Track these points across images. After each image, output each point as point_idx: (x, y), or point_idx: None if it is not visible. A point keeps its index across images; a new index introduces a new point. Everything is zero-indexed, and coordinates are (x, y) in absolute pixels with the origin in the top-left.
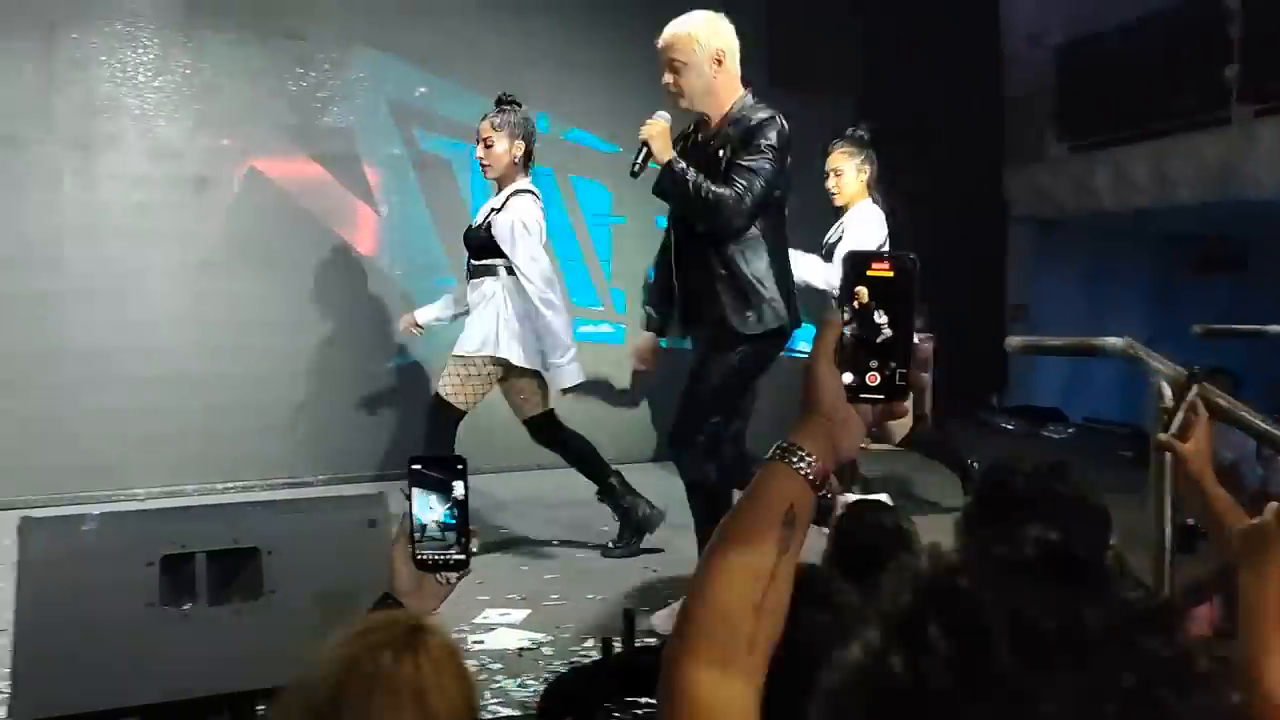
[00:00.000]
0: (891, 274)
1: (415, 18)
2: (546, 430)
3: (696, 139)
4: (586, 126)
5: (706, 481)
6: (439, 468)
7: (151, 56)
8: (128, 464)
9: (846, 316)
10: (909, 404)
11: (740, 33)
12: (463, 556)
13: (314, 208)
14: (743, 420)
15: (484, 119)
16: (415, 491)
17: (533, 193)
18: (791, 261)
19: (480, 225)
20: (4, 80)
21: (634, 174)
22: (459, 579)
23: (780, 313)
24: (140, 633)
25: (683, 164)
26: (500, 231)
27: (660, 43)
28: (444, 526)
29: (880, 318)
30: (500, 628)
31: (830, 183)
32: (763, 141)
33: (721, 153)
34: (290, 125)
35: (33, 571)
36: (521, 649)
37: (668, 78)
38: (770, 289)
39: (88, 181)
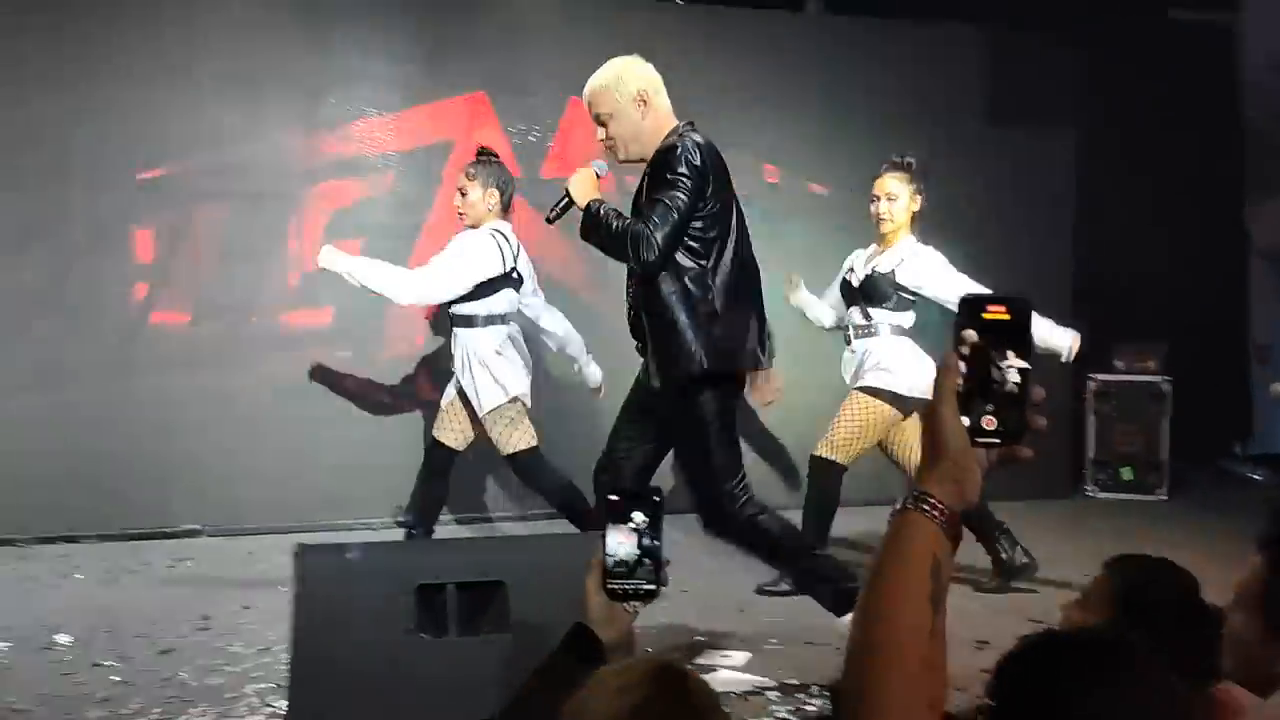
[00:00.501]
0: (1008, 316)
1: None
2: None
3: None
4: (795, 168)
5: (769, 525)
6: (634, 502)
7: (393, 118)
8: (363, 495)
9: (963, 359)
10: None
11: (959, 72)
12: (652, 588)
13: (538, 254)
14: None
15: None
16: (610, 524)
17: (496, 231)
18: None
19: None
20: (272, 140)
21: (548, 220)
22: (644, 605)
23: (722, 352)
24: (401, 657)
25: (600, 205)
26: None
27: (584, 101)
28: (636, 559)
29: (997, 360)
30: (721, 669)
31: (882, 207)
32: (668, 174)
33: (642, 189)
34: (514, 175)
35: (308, 593)
36: (747, 694)
37: (600, 133)
38: (705, 329)
39: (339, 231)
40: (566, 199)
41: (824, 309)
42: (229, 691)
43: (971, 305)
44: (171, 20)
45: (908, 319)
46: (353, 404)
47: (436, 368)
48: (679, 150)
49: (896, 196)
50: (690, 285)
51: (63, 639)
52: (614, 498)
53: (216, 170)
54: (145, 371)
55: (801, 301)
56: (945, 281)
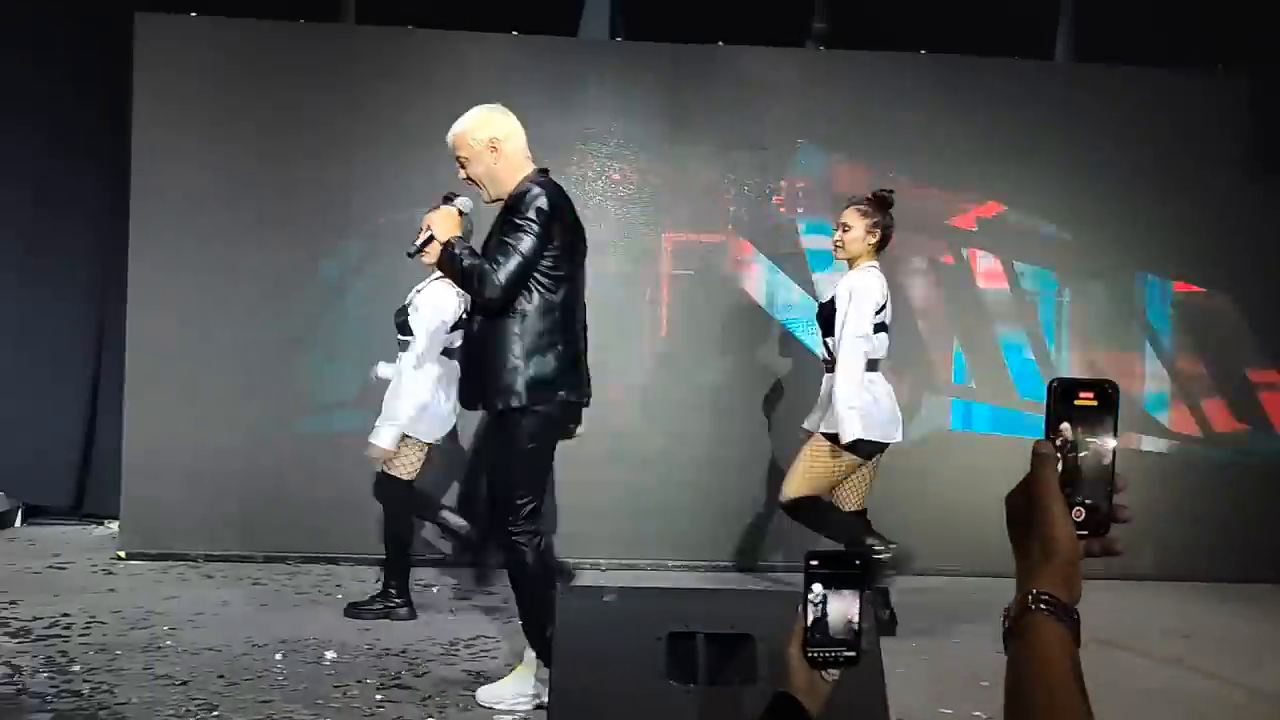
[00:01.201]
0: (1095, 403)
1: (866, 119)
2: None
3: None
4: (1038, 214)
5: (529, 563)
6: (835, 564)
7: (637, 172)
8: (590, 534)
9: (1057, 447)
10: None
11: (1213, 119)
12: (853, 654)
13: (763, 300)
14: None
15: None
16: (811, 587)
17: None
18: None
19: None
20: None
21: (409, 255)
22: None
23: (540, 389)
24: (654, 705)
25: (455, 242)
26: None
27: (448, 144)
28: (838, 624)
29: (1085, 449)
30: None
31: (836, 235)
32: (515, 218)
33: (494, 231)
34: (746, 226)
35: (565, 634)
36: None
37: (461, 173)
38: (531, 366)
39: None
40: (429, 234)
41: None
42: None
43: (1065, 391)
44: (441, 87)
45: (872, 346)
46: (576, 449)
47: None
48: (527, 196)
49: (851, 227)
50: (527, 322)
51: (330, 654)
52: (814, 561)
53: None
54: None
55: None
56: (844, 309)
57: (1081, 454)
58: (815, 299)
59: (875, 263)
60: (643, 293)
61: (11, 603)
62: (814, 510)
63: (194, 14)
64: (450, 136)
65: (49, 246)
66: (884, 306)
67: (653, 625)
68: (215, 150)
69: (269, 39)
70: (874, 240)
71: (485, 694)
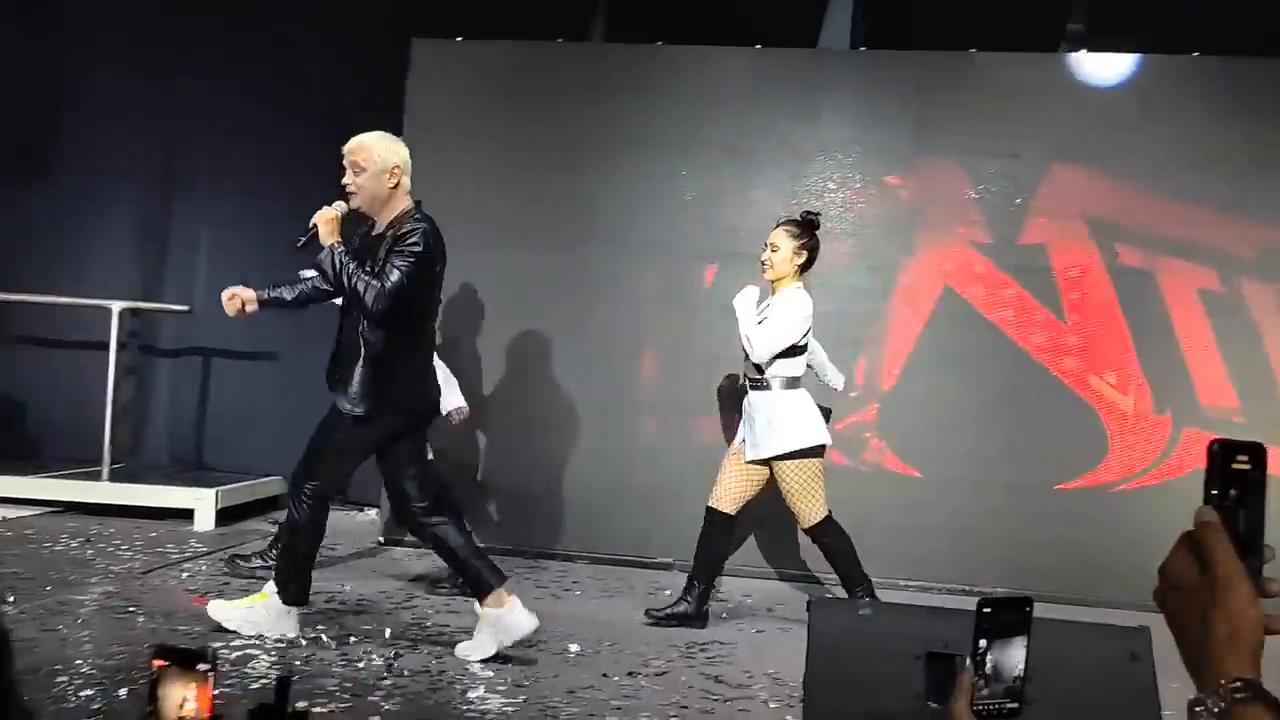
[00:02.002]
0: (1249, 466)
1: (1127, 126)
2: None
3: (370, 234)
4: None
5: (300, 524)
6: (1006, 609)
7: (875, 184)
8: (816, 548)
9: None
10: None
11: None
12: (1015, 705)
13: (1003, 319)
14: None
15: None
16: (980, 634)
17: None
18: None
19: None
20: (761, 204)
21: (298, 247)
22: None
23: (395, 401)
24: None
25: (342, 249)
26: None
27: (346, 147)
28: (1006, 674)
29: (1241, 512)
30: None
31: (764, 255)
32: (409, 247)
33: (382, 251)
34: (992, 239)
35: (820, 647)
36: None
37: (348, 177)
38: (388, 379)
39: (815, 293)
40: (314, 230)
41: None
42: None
43: (1226, 454)
44: (687, 100)
45: (797, 367)
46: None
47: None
48: (420, 231)
49: (778, 248)
50: (397, 339)
51: (574, 647)
52: (987, 609)
53: (709, 232)
54: (638, 412)
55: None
56: (768, 324)
57: (1240, 517)
58: (1063, 319)
59: (800, 283)
60: (882, 307)
61: None
62: (836, 533)
63: (460, 38)
64: (356, 143)
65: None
66: (808, 330)
67: (909, 643)
68: (478, 163)
69: (527, 59)
70: (800, 261)
71: (215, 608)
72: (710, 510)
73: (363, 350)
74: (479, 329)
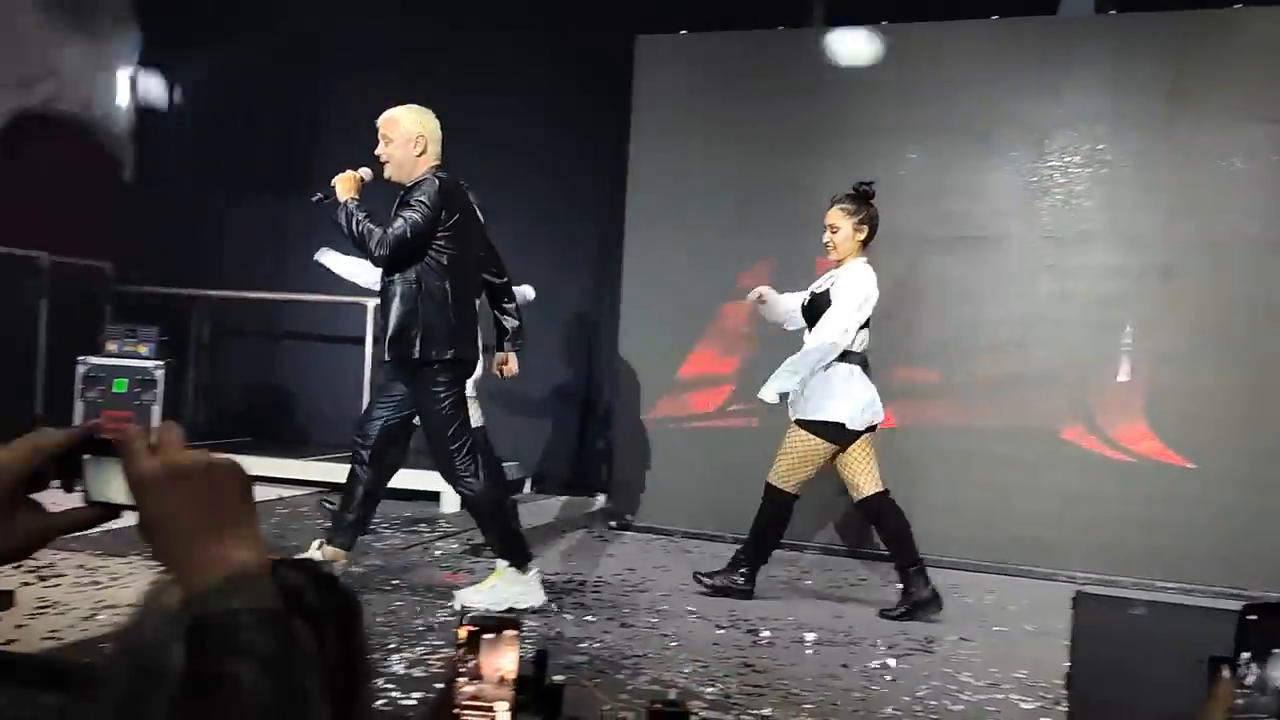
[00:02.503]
0: None
1: None
2: None
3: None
4: None
5: (478, 497)
6: (1274, 616)
7: (1130, 154)
8: (1065, 544)
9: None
10: None
11: None
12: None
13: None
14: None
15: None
16: (1243, 643)
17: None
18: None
19: None
20: (999, 185)
21: (313, 201)
22: None
23: (442, 346)
24: None
25: (353, 205)
26: None
27: (379, 120)
28: (1269, 687)
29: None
30: None
31: (825, 237)
32: (412, 199)
33: (394, 207)
34: (1263, 212)
35: (1085, 642)
36: None
37: (380, 148)
38: (430, 325)
39: (1060, 274)
40: (333, 190)
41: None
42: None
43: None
44: (919, 78)
45: (855, 340)
46: (1058, 450)
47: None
48: (425, 184)
49: (838, 228)
50: (425, 288)
51: (809, 636)
52: (1252, 615)
53: (941, 219)
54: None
55: (777, 315)
56: (836, 303)
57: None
58: None
59: (864, 258)
60: (1135, 285)
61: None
62: (889, 508)
63: (684, 32)
64: (386, 116)
65: (555, 252)
66: (871, 303)
67: (1186, 646)
68: (704, 157)
69: (748, 49)
70: (862, 236)
71: (464, 596)
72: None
73: (401, 303)
74: (712, 317)
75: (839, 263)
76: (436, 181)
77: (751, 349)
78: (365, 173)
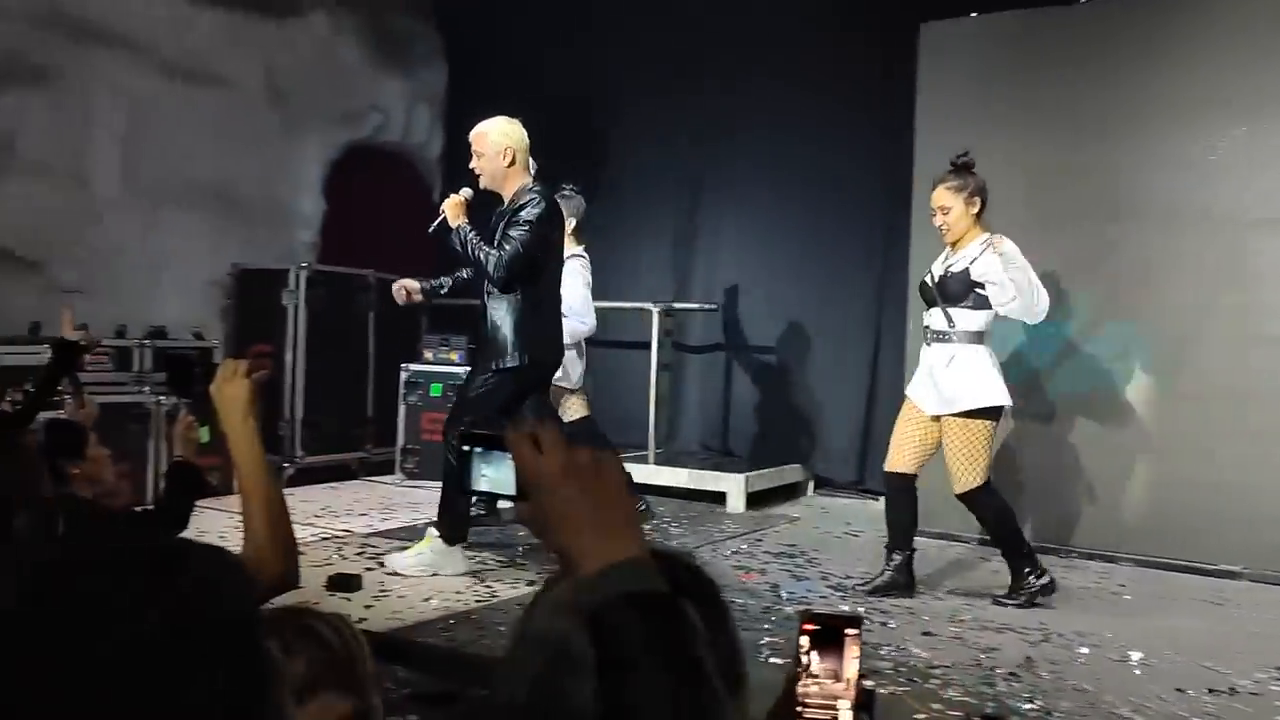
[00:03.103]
0: None
1: None
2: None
3: (499, 210)
4: None
5: (449, 467)
6: None
7: None
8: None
9: None
10: None
11: None
12: None
13: None
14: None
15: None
16: None
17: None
18: None
19: None
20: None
21: (430, 233)
22: None
23: (521, 355)
24: None
25: (466, 228)
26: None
27: (471, 135)
28: None
29: None
30: None
31: (938, 221)
32: (520, 217)
33: (501, 223)
34: None
35: None
36: None
37: (473, 162)
38: (518, 336)
39: None
40: (443, 217)
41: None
42: None
43: None
44: (1223, 46)
45: (984, 320)
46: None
47: None
48: (529, 204)
49: (949, 208)
50: (522, 302)
51: (1135, 655)
52: None
53: (1266, 197)
54: (1184, 400)
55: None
56: (1016, 275)
57: None
58: None
59: (988, 232)
60: None
61: (826, 560)
62: (992, 498)
63: (974, 14)
64: (475, 131)
65: (835, 241)
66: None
67: None
68: (991, 142)
69: (1034, 27)
70: (975, 209)
71: (392, 560)
72: (888, 475)
73: (496, 313)
74: None
75: (954, 245)
76: (542, 203)
77: (1048, 350)
78: (466, 192)
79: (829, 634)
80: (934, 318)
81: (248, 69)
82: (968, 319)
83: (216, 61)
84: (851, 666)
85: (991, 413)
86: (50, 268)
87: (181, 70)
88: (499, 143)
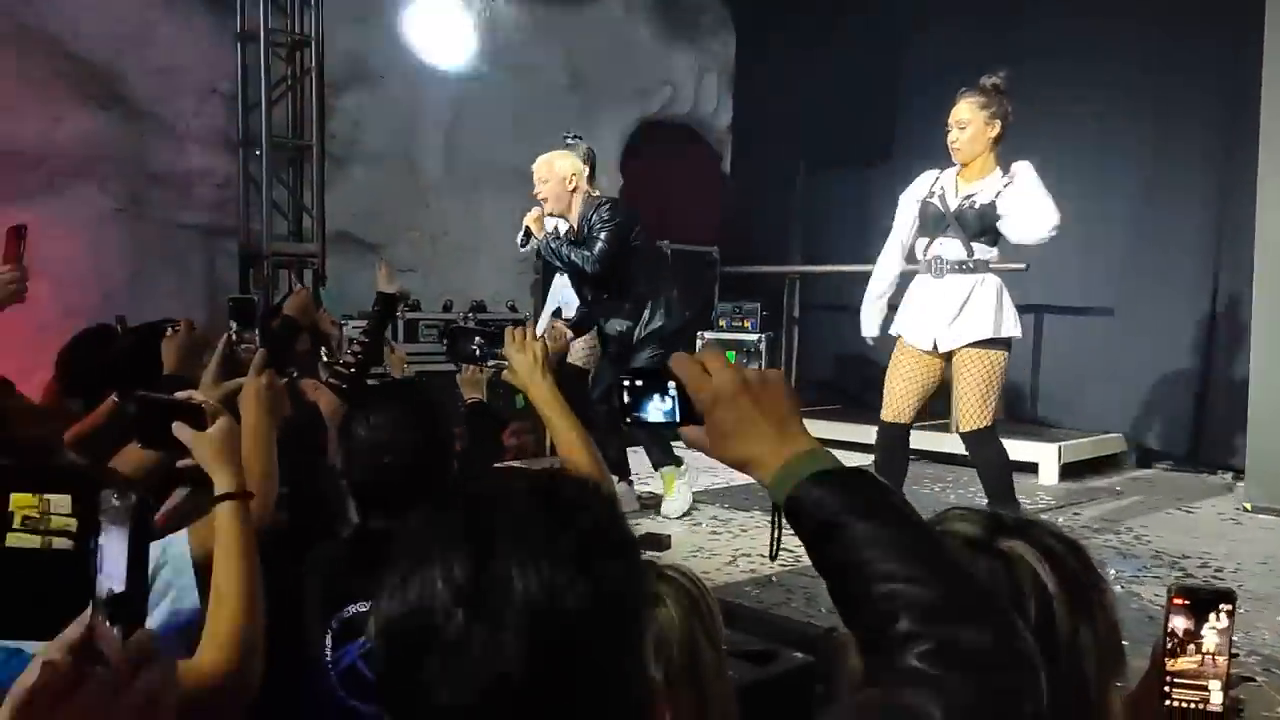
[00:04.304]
0: None
1: None
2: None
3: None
4: None
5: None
6: None
7: None
8: None
9: None
10: None
11: None
12: None
13: None
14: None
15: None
16: None
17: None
18: None
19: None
20: None
21: (521, 246)
22: None
23: (631, 324)
24: None
25: (553, 238)
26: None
27: (535, 165)
28: None
29: None
30: None
31: (952, 136)
32: (597, 221)
33: (585, 229)
34: None
35: None
36: None
37: (537, 188)
38: (626, 306)
39: None
40: (527, 231)
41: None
42: None
43: None
44: None
45: (996, 252)
46: None
47: None
48: (599, 210)
49: (966, 124)
50: (613, 294)
51: None
52: None
53: None
54: None
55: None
56: (1031, 197)
57: None
58: None
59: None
60: None
61: (1156, 537)
62: (998, 441)
63: None
64: (542, 161)
65: (1168, 194)
66: None
67: None
68: None
69: None
70: (994, 134)
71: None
72: (888, 426)
73: (611, 302)
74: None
75: (963, 167)
76: (608, 204)
77: None
78: (538, 210)
79: (1202, 607)
80: (947, 247)
81: (549, 55)
82: (986, 249)
83: (524, 51)
84: (1222, 642)
85: (1008, 344)
86: (387, 250)
87: (493, 59)
88: (566, 171)
